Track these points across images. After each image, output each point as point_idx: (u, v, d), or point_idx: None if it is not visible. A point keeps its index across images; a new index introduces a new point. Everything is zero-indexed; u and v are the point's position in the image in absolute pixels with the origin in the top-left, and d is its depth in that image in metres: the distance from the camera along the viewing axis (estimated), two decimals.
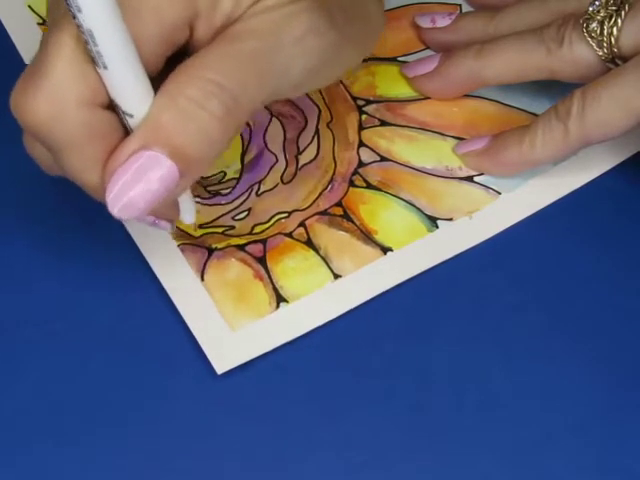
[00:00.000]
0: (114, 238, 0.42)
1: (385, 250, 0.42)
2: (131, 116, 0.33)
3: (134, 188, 0.33)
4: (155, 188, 0.33)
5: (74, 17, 0.31)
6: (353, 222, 0.43)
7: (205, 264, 0.42)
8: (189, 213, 0.39)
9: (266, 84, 0.34)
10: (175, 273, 0.41)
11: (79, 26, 0.31)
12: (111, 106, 0.34)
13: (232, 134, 0.34)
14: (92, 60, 0.32)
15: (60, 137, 0.33)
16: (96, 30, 0.31)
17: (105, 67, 0.32)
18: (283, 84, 0.35)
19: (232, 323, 0.41)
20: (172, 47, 0.34)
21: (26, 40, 0.48)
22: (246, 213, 0.43)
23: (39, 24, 0.48)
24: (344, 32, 0.36)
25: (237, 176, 0.44)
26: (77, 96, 0.32)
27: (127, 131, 0.34)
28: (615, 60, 0.42)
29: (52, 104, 0.32)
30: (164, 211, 0.37)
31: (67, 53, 0.32)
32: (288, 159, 0.45)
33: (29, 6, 0.49)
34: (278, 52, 0.34)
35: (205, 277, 0.42)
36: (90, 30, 0.31)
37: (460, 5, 0.49)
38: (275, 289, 0.42)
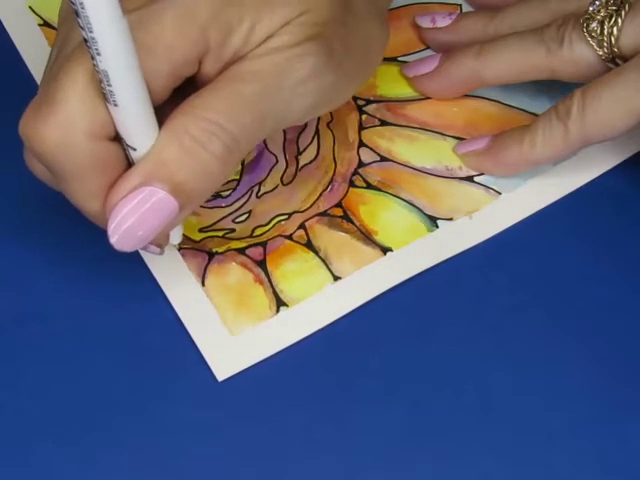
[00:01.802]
0: None
1: (385, 250, 0.42)
2: (134, 150, 0.34)
3: (134, 221, 0.34)
4: (154, 222, 0.35)
5: (92, 57, 0.31)
6: (353, 223, 0.43)
7: (206, 269, 0.42)
8: (177, 235, 0.39)
9: (266, 125, 0.36)
10: (176, 278, 0.42)
11: (96, 66, 0.32)
12: (116, 138, 0.34)
13: (231, 170, 0.36)
14: (103, 96, 0.33)
15: (66, 166, 0.34)
16: (112, 73, 0.32)
17: (116, 105, 0.33)
18: (282, 123, 0.37)
19: (232, 328, 0.41)
20: (179, 80, 0.35)
21: (27, 41, 0.48)
22: (246, 215, 0.43)
23: (40, 25, 0.48)
24: (343, 69, 0.37)
25: (237, 177, 0.44)
26: (87, 128, 0.33)
27: (129, 162, 0.35)
28: (615, 60, 0.42)
29: (62, 133, 0.33)
30: (156, 239, 0.38)
31: (80, 87, 0.33)
32: (288, 160, 0.45)
33: (30, 7, 0.49)
34: (279, 94, 0.35)
35: (206, 282, 0.42)
36: (106, 71, 0.32)
37: (460, 5, 0.49)
38: (275, 293, 0.42)
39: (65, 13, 0.38)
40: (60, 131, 0.33)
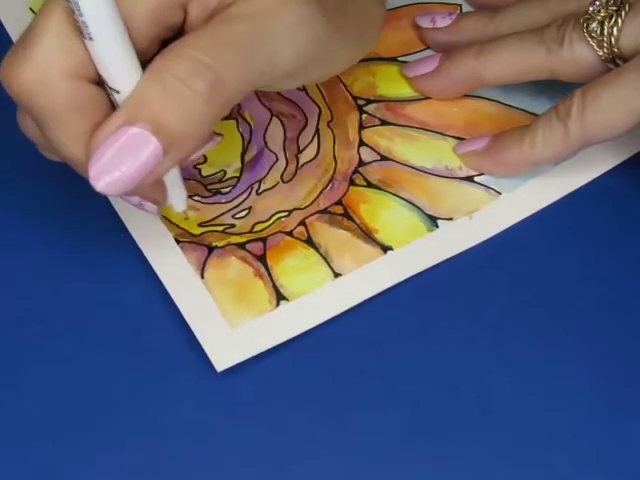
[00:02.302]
0: (114, 236, 0.42)
1: (385, 249, 0.43)
2: (117, 92, 0.34)
3: (117, 163, 0.33)
4: (138, 164, 0.33)
5: None
6: (353, 221, 0.43)
7: (205, 262, 0.42)
8: (179, 200, 0.39)
9: (253, 67, 0.34)
10: (175, 271, 0.41)
11: None
12: (99, 82, 0.34)
13: (217, 114, 0.34)
14: (79, 31, 0.32)
15: (45, 107, 0.33)
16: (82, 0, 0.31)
17: (91, 38, 0.32)
18: (271, 69, 0.35)
19: (232, 321, 0.41)
20: (165, 29, 0.34)
21: None
22: (246, 212, 0.43)
23: None
24: (337, 26, 0.36)
25: (237, 175, 0.44)
26: (63, 67, 0.33)
27: (114, 107, 0.34)
28: (615, 60, 0.42)
29: (38, 73, 0.33)
30: (150, 192, 0.37)
31: (56, 24, 0.33)
32: (288, 158, 0.45)
33: (30, 8, 0.49)
34: (267, 37, 0.34)
35: (205, 275, 0.42)
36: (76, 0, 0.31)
37: (460, 5, 0.49)
38: (275, 287, 0.42)
39: None
40: (37, 70, 0.33)
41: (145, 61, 0.34)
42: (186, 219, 0.43)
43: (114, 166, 0.33)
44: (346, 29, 0.37)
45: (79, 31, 0.32)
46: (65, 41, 0.33)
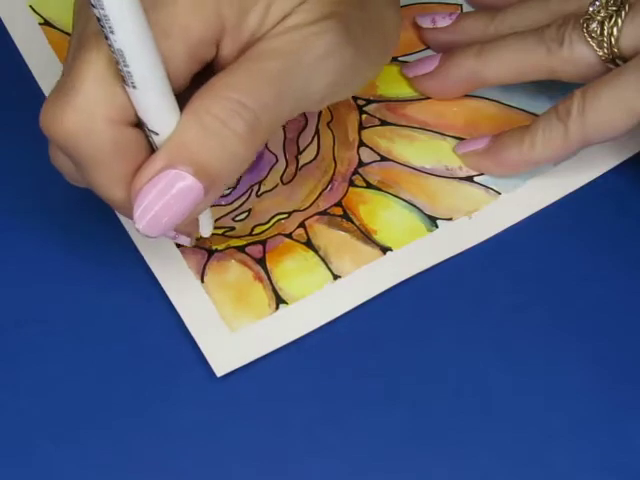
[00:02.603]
0: (114, 239, 0.42)
1: (385, 250, 0.43)
2: (157, 134, 0.34)
3: (160, 206, 0.34)
4: (180, 206, 0.34)
5: (107, 37, 0.31)
6: (353, 222, 0.43)
7: (205, 265, 0.42)
8: (207, 227, 0.39)
9: (286, 103, 0.35)
10: (175, 275, 0.42)
11: (111, 46, 0.31)
12: (138, 123, 0.34)
13: (255, 151, 0.35)
14: (122, 79, 0.33)
15: (87, 153, 0.34)
16: (127, 51, 0.31)
17: (134, 87, 0.32)
18: (303, 102, 0.36)
19: (232, 325, 0.41)
20: (199, 64, 0.35)
21: (27, 40, 0.48)
22: (246, 214, 0.43)
23: (40, 24, 0.48)
24: (362, 49, 0.37)
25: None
26: (106, 113, 0.33)
27: (152, 148, 0.35)
28: (615, 60, 0.42)
29: (81, 119, 0.33)
30: (185, 226, 0.37)
31: (98, 71, 0.33)
32: (288, 159, 0.45)
33: (30, 6, 0.49)
34: (299, 72, 0.35)
35: (205, 279, 0.42)
36: (121, 51, 0.31)
37: (461, 5, 0.49)
38: (275, 290, 0.42)
39: (79, 6, 0.37)
40: (79, 117, 0.33)
41: (176, 95, 0.34)
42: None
43: (158, 208, 0.34)
44: (370, 50, 0.38)
45: (121, 78, 0.33)
46: (107, 88, 0.33)
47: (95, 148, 0.33)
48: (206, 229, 0.39)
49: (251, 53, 0.35)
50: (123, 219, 0.43)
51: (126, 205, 0.35)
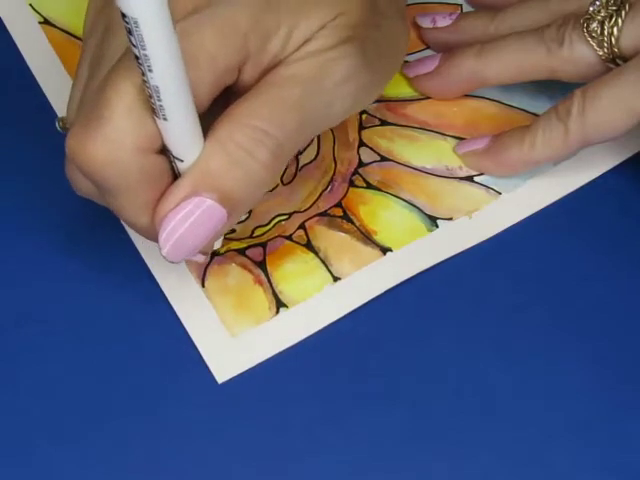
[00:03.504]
0: (115, 243, 0.42)
1: (385, 250, 0.42)
2: (181, 161, 0.34)
3: (184, 231, 0.34)
4: (204, 231, 0.35)
5: (143, 74, 0.31)
6: (353, 223, 0.43)
7: (206, 269, 0.42)
8: (218, 240, 0.40)
9: (307, 128, 0.36)
10: (176, 279, 0.42)
11: (146, 82, 0.32)
12: (162, 150, 0.34)
13: (277, 176, 0.36)
14: (152, 110, 0.33)
15: (115, 182, 0.34)
16: (163, 88, 0.32)
17: (165, 119, 0.33)
18: (322, 125, 0.37)
19: (232, 330, 0.41)
20: (221, 89, 0.35)
21: (27, 39, 0.48)
22: (246, 216, 0.43)
23: (40, 23, 0.48)
24: (377, 70, 0.37)
25: None
26: (135, 143, 0.33)
27: (175, 173, 0.35)
28: (615, 60, 0.42)
29: (111, 150, 0.33)
30: (203, 247, 0.38)
31: (128, 102, 0.33)
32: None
33: (30, 5, 0.49)
34: (319, 98, 0.36)
35: (206, 283, 0.42)
36: (157, 87, 0.31)
37: (461, 5, 0.49)
38: (275, 294, 0.42)
39: (90, 25, 0.38)
40: (109, 147, 0.33)
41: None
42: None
43: (182, 234, 0.34)
44: (385, 69, 0.39)
45: (151, 109, 0.33)
46: (136, 119, 0.33)
47: (122, 176, 0.34)
48: (218, 243, 0.40)
49: (272, 78, 0.35)
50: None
51: (150, 230, 0.35)
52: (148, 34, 0.30)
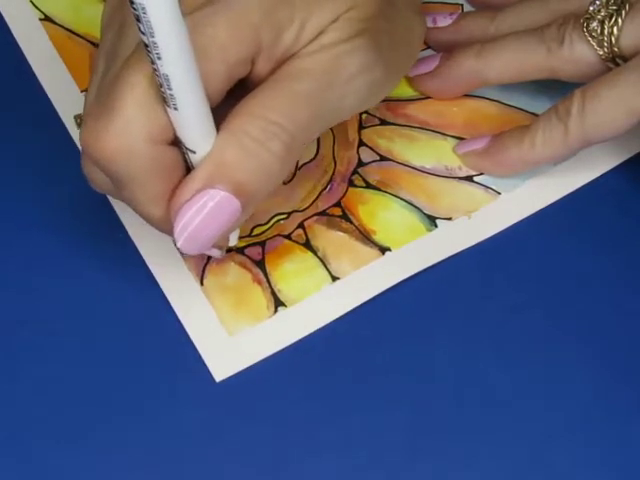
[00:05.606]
0: (114, 242, 0.42)
1: (383, 250, 0.42)
2: (194, 152, 0.34)
3: (198, 223, 0.34)
4: (218, 223, 0.35)
5: (152, 62, 0.31)
6: (352, 222, 0.43)
7: (204, 268, 0.42)
8: (235, 236, 0.40)
9: (320, 121, 0.36)
10: (175, 278, 0.42)
11: (156, 71, 0.32)
12: (174, 142, 0.34)
13: (289, 169, 0.36)
14: (163, 100, 0.33)
15: (128, 172, 0.34)
16: (172, 77, 0.32)
17: (176, 108, 0.33)
18: (335, 118, 0.37)
19: (230, 329, 0.41)
20: (233, 81, 0.35)
21: (28, 35, 0.48)
22: None
23: (41, 19, 0.48)
24: (391, 64, 0.37)
25: None
26: (147, 134, 0.33)
27: (187, 165, 0.35)
28: (615, 60, 0.42)
29: (123, 140, 0.33)
30: (218, 240, 0.38)
31: (139, 93, 0.33)
32: None
33: (31, 1, 0.49)
34: (332, 92, 0.36)
35: (204, 282, 0.42)
36: (167, 75, 0.32)
37: (462, 5, 0.49)
38: (273, 293, 0.42)
39: (107, 21, 0.38)
40: (121, 138, 0.33)
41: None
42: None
43: (196, 226, 0.35)
44: (398, 63, 0.39)
45: (162, 100, 0.33)
46: (149, 110, 0.33)
47: (135, 168, 0.34)
48: (234, 238, 0.40)
49: (285, 71, 0.35)
50: (124, 220, 0.42)
51: (164, 222, 0.35)
52: (156, 20, 0.30)
